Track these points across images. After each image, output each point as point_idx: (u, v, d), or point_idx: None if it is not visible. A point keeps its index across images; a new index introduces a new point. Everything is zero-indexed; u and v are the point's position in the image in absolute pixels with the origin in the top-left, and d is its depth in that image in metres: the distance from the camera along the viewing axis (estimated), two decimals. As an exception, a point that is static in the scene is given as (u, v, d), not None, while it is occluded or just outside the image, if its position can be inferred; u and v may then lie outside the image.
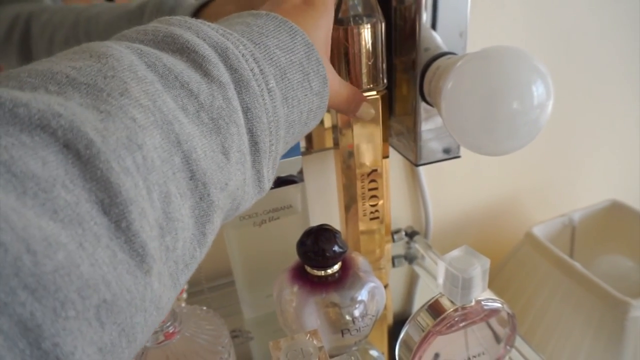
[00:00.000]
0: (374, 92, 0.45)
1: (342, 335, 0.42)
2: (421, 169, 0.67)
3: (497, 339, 0.40)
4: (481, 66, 0.37)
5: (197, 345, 0.39)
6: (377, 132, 0.47)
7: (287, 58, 0.27)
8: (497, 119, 0.37)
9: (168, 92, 0.21)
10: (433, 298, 0.37)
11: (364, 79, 0.44)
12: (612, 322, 0.54)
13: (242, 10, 0.52)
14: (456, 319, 0.36)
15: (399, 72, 0.50)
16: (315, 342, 0.32)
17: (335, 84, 0.34)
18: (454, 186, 0.73)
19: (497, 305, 0.37)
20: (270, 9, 0.31)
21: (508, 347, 0.40)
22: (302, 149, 0.57)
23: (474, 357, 0.39)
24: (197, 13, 0.50)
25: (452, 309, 0.36)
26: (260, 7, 0.32)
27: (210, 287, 0.57)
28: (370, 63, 0.44)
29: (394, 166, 0.67)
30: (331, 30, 0.34)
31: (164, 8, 0.52)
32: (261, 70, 0.25)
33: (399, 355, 0.39)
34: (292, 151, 0.46)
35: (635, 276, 0.68)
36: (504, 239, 0.78)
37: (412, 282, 0.64)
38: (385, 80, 0.46)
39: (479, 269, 0.34)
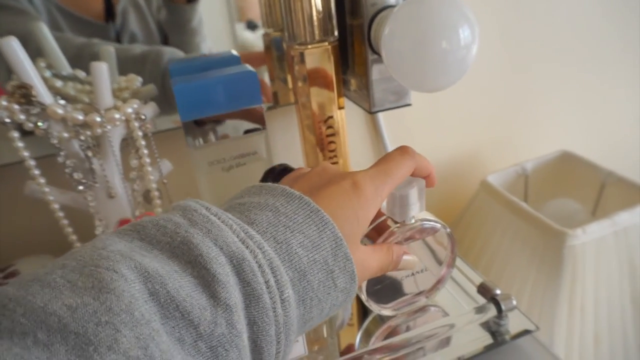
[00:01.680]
0: (325, 43, 0.50)
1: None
2: (382, 124, 0.72)
3: (438, 259, 0.45)
4: (413, 11, 0.42)
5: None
6: (330, 81, 0.51)
7: (310, 257, 0.26)
8: (430, 58, 0.42)
9: (165, 325, 0.21)
10: (377, 220, 0.41)
11: (316, 31, 0.49)
12: (552, 252, 0.60)
13: None
14: (398, 236, 0.39)
15: (354, 32, 0.55)
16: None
17: (369, 265, 0.32)
18: (415, 140, 0.78)
19: (436, 224, 0.41)
20: (315, 185, 0.30)
21: (449, 268, 0.45)
22: (267, 105, 0.62)
23: (417, 272, 0.44)
24: None
25: (393, 227, 0.39)
26: (314, 178, 0.32)
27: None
28: (320, 17, 0.49)
29: (357, 121, 0.72)
30: (372, 217, 0.31)
31: (162, 59, 0.58)
32: (277, 280, 0.24)
33: None
34: (253, 100, 0.50)
35: (580, 216, 0.74)
36: (464, 189, 0.84)
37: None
38: (335, 33, 0.51)
39: (415, 187, 0.37)
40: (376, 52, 0.52)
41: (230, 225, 0.25)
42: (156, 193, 0.51)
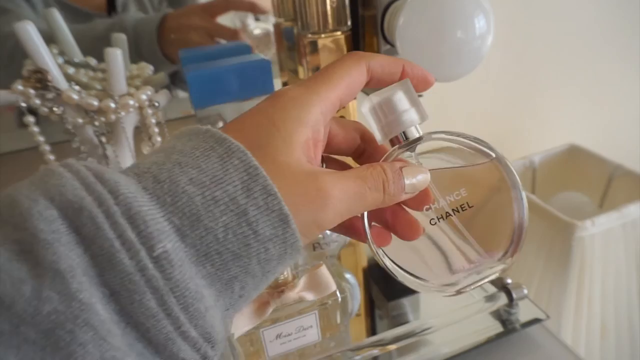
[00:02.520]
0: (339, 32, 0.50)
1: (314, 249, 0.47)
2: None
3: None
4: (428, 1, 0.42)
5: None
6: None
7: (207, 195, 0.19)
8: (444, 47, 0.42)
9: None
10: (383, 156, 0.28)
11: (329, 20, 0.49)
12: (561, 244, 0.60)
13: (206, 24, 0.52)
14: (403, 157, 0.27)
15: (366, 22, 0.55)
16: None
17: (328, 191, 0.22)
18: (423, 131, 0.78)
19: (474, 142, 0.29)
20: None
21: (519, 207, 0.28)
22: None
23: (455, 211, 0.27)
24: (160, 25, 0.54)
25: (390, 150, 0.27)
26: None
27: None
28: (334, 6, 0.49)
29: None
30: (318, 125, 0.23)
31: (127, 26, 0.57)
32: (140, 232, 0.17)
33: None
34: (265, 89, 0.50)
35: (588, 209, 0.74)
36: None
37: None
38: (349, 23, 0.51)
39: (399, 88, 0.26)
40: (389, 42, 0.52)
41: (76, 171, 0.18)
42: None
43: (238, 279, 0.20)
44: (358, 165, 0.28)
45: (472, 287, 0.27)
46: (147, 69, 0.56)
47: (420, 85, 0.27)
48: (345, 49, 0.50)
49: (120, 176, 0.19)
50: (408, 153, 0.27)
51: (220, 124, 0.50)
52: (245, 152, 0.20)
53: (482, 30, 0.42)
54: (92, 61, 0.56)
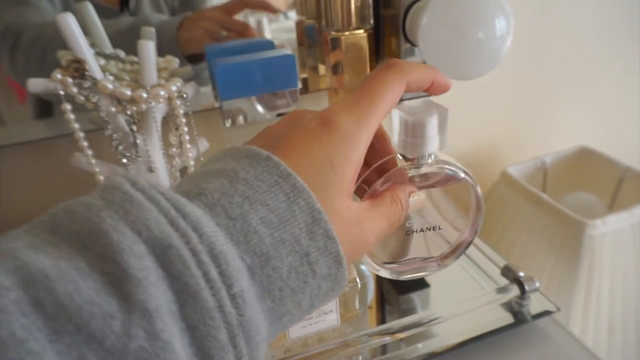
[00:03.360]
0: (362, 30, 0.51)
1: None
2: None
3: (454, 221, 0.34)
4: (450, 1, 0.44)
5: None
6: (364, 68, 0.53)
7: (276, 236, 0.20)
8: (465, 47, 0.44)
9: (56, 342, 0.16)
10: (383, 160, 0.31)
11: (353, 18, 0.51)
12: (571, 242, 0.61)
13: (218, 15, 0.50)
14: (409, 174, 0.30)
15: (387, 22, 0.57)
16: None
17: (370, 228, 0.25)
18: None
19: (459, 171, 0.32)
20: (278, 135, 0.24)
21: (472, 233, 0.34)
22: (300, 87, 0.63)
23: (429, 230, 0.33)
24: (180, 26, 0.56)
25: (404, 165, 0.30)
26: (279, 126, 0.25)
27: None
28: (358, 5, 0.50)
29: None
30: (361, 160, 0.25)
31: (151, 24, 0.58)
32: (222, 271, 0.18)
33: None
34: (289, 84, 0.52)
35: (598, 210, 0.75)
36: (482, 181, 0.85)
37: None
38: (371, 21, 0.52)
39: (436, 115, 0.29)
40: (409, 41, 0.53)
41: (156, 201, 0.19)
42: (193, 170, 0.53)
43: (289, 313, 0.22)
44: None
45: (407, 277, 0.34)
46: (174, 62, 0.58)
47: (439, 90, 0.29)
48: (367, 46, 0.52)
49: (196, 209, 0.19)
50: (415, 170, 0.30)
51: (241, 118, 0.52)
52: (310, 195, 0.21)
53: (503, 31, 0.44)
54: (121, 53, 0.58)
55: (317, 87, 0.66)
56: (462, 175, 0.31)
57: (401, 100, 0.27)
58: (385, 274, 0.33)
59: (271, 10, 0.64)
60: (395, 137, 0.30)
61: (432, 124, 0.28)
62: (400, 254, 0.34)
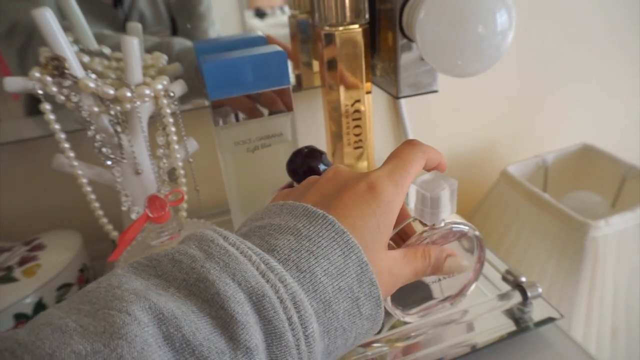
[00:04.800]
0: (357, 25, 0.49)
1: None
2: (404, 110, 0.72)
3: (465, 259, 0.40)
4: (450, -6, 0.42)
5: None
6: (359, 64, 0.51)
7: (335, 285, 0.24)
8: (465, 42, 0.42)
9: None
10: (404, 223, 0.37)
11: (347, 13, 0.48)
12: (574, 243, 0.60)
13: None
14: (426, 240, 0.36)
15: (383, 17, 0.54)
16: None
17: (399, 273, 0.30)
18: (437, 131, 0.77)
19: (466, 228, 0.38)
20: (328, 194, 0.28)
21: (476, 274, 0.40)
22: (292, 85, 0.61)
23: (444, 278, 0.40)
24: None
25: (422, 230, 0.36)
26: (327, 185, 0.29)
27: (207, 214, 0.62)
28: (352, -2, 0.48)
29: (381, 110, 0.71)
30: (394, 219, 0.29)
31: (172, 50, 0.57)
32: (300, 316, 0.23)
33: None
34: (281, 81, 0.50)
35: (600, 209, 0.73)
36: (482, 179, 0.83)
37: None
38: (367, 16, 0.50)
39: (447, 189, 0.34)
40: (406, 36, 0.51)
41: (249, 256, 0.23)
42: (182, 172, 0.51)
43: (338, 349, 0.26)
44: None
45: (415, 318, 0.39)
46: (162, 58, 0.56)
47: (440, 170, 0.34)
48: (362, 41, 0.50)
49: (276, 263, 0.23)
50: (431, 232, 0.35)
51: (232, 116, 0.49)
52: (360, 250, 0.25)
53: (504, 26, 0.42)
54: (107, 50, 0.55)
55: (311, 84, 0.64)
56: (467, 229, 0.37)
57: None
58: (409, 319, 0.39)
59: None
60: (411, 204, 0.35)
61: (445, 196, 0.34)
62: (422, 301, 0.40)
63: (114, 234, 0.50)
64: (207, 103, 0.54)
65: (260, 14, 0.63)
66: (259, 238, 0.25)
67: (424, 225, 0.36)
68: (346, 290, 0.25)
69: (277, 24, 0.64)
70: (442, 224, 0.36)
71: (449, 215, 0.36)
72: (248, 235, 0.26)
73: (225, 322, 0.21)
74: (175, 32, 0.60)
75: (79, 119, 0.49)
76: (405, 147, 0.32)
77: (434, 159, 0.33)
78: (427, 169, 0.33)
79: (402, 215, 0.35)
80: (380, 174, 0.29)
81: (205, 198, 0.63)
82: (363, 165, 0.58)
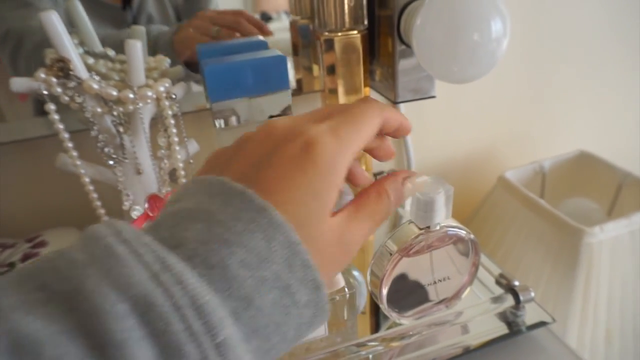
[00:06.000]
0: (356, 31, 0.50)
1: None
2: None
3: (459, 268, 0.41)
4: (446, 2, 0.43)
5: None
6: (358, 70, 0.52)
7: (256, 276, 0.20)
8: (460, 49, 0.43)
9: None
10: (400, 225, 0.38)
11: (346, 19, 0.49)
12: (569, 249, 0.60)
13: (209, 14, 0.46)
14: (422, 243, 0.37)
15: (382, 23, 0.55)
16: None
17: (352, 237, 0.25)
18: (435, 136, 0.78)
19: (461, 232, 0.38)
20: (257, 161, 0.24)
21: (471, 276, 0.42)
22: (292, 89, 0.62)
23: (439, 281, 0.41)
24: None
25: (417, 233, 0.37)
26: (256, 149, 0.24)
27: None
28: (351, 5, 0.49)
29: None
30: (343, 181, 0.25)
31: (158, 41, 0.57)
32: (206, 322, 0.18)
33: (370, 280, 0.40)
34: (281, 85, 0.51)
35: (596, 216, 0.74)
36: (480, 185, 0.84)
37: (394, 222, 0.70)
38: (365, 22, 0.51)
39: (443, 193, 0.34)
40: (404, 42, 0.52)
41: (140, 255, 0.19)
42: (182, 172, 0.52)
43: (275, 348, 0.22)
44: None
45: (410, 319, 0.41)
46: (165, 61, 0.57)
47: (402, 133, 0.30)
48: (361, 47, 0.51)
49: (176, 261, 0.19)
50: (426, 236, 0.36)
51: (234, 119, 0.50)
52: (287, 229, 0.21)
53: (499, 33, 0.43)
54: (111, 52, 0.57)
55: (311, 88, 0.65)
56: (462, 232, 0.38)
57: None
58: (406, 321, 0.41)
59: (264, 32, 0.62)
60: (407, 206, 0.36)
61: (440, 200, 0.34)
62: (417, 303, 0.41)
63: (115, 232, 0.51)
64: (208, 105, 0.55)
65: (265, 18, 0.64)
66: (167, 229, 0.21)
67: (419, 228, 0.36)
68: (272, 280, 0.21)
69: (282, 28, 0.65)
70: (438, 228, 0.37)
71: (444, 220, 0.36)
72: (156, 226, 0.22)
73: (102, 343, 0.17)
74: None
75: (82, 119, 0.50)
76: (358, 103, 0.27)
77: (392, 118, 0.28)
78: (387, 131, 0.29)
79: (357, 180, 0.30)
80: (323, 128, 0.24)
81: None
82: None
